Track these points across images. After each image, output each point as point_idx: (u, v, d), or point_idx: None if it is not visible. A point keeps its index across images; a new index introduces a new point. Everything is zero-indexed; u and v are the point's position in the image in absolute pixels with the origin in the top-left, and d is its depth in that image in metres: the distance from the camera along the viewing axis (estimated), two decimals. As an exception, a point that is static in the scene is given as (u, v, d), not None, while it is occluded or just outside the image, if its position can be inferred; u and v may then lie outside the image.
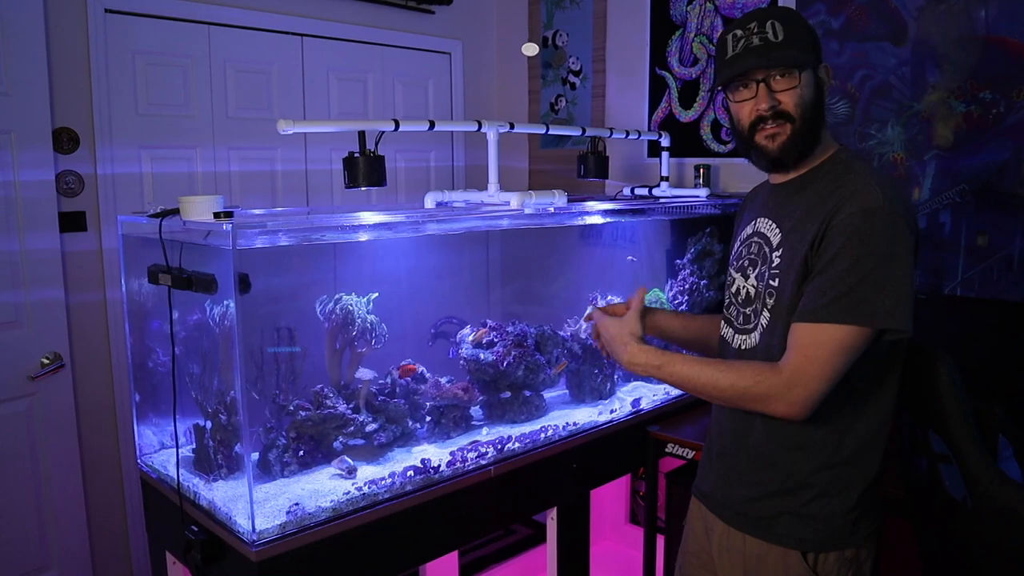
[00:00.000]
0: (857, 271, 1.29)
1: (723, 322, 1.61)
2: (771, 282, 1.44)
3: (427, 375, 2.21)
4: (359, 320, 2.01)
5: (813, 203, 1.40)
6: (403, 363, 2.17)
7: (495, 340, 2.29)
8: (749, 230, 1.56)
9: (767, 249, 1.47)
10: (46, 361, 2.55)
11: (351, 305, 2.01)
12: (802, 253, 1.37)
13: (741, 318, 1.52)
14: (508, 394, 2.27)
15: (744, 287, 1.51)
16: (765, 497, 1.48)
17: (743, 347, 1.51)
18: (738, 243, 1.60)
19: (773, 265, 1.44)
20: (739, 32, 1.43)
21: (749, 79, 1.42)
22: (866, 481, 1.43)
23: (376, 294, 2.05)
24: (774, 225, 1.48)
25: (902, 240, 1.31)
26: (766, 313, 1.45)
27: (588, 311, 2.37)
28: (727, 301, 1.60)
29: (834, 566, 1.43)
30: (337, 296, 2.02)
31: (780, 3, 2.83)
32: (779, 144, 1.43)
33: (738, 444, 1.53)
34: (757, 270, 1.48)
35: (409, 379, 2.14)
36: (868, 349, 1.32)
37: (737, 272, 1.55)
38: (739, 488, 1.53)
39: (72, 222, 2.61)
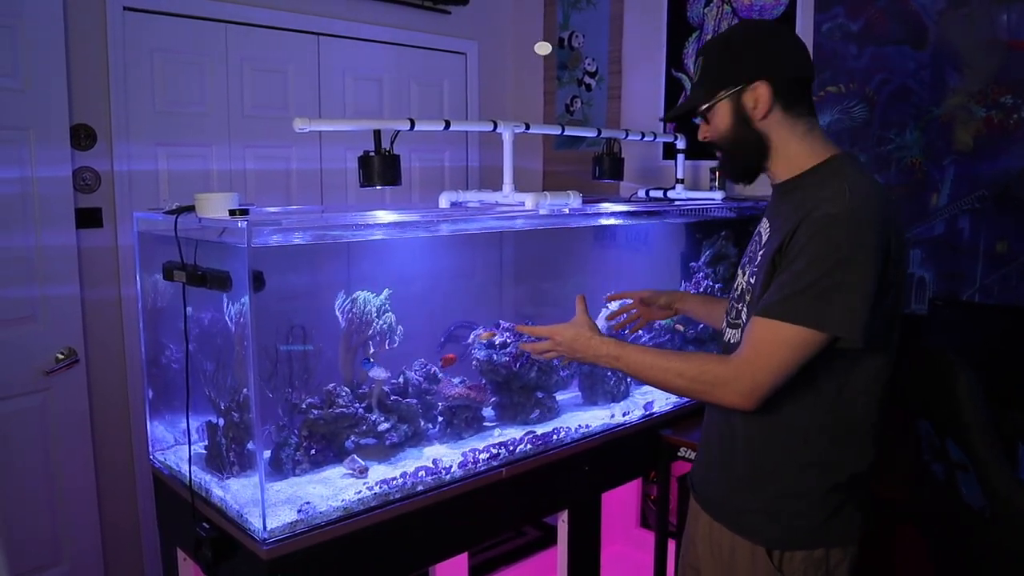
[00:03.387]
0: (813, 273, 1.31)
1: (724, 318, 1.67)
2: (751, 279, 1.49)
3: (440, 375, 2.20)
4: (378, 322, 2.01)
5: (795, 206, 1.42)
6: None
7: (508, 341, 2.28)
8: (755, 230, 1.61)
9: (757, 248, 1.52)
10: (60, 356, 2.56)
11: (370, 304, 2.01)
12: (771, 253, 1.41)
13: (733, 313, 1.57)
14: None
15: (740, 283, 1.57)
16: (737, 490, 1.52)
17: (731, 341, 1.55)
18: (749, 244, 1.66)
19: (755, 263, 1.49)
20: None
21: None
22: (835, 481, 1.43)
23: (389, 290, 2.04)
24: (767, 225, 1.52)
25: (864, 248, 1.31)
26: (746, 309, 1.50)
27: (604, 311, 2.36)
28: (729, 298, 1.65)
29: (800, 566, 1.44)
30: (355, 295, 2.02)
31: (798, 8, 2.81)
32: (724, 170, 1.65)
33: (718, 436, 1.58)
34: (749, 268, 1.53)
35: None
36: (830, 351, 1.34)
37: (740, 270, 1.61)
38: (717, 480, 1.58)
39: (88, 218, 2.63)
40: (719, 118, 1.51)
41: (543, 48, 3.71)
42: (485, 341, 2.28)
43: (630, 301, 2.11)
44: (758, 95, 1.44)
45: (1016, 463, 1.62)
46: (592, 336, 1.61)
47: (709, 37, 3.10)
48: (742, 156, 1.52)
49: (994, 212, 2.39)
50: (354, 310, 2.01)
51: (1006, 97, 2.35)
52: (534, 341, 1.73)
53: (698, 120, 1.57)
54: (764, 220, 1.56)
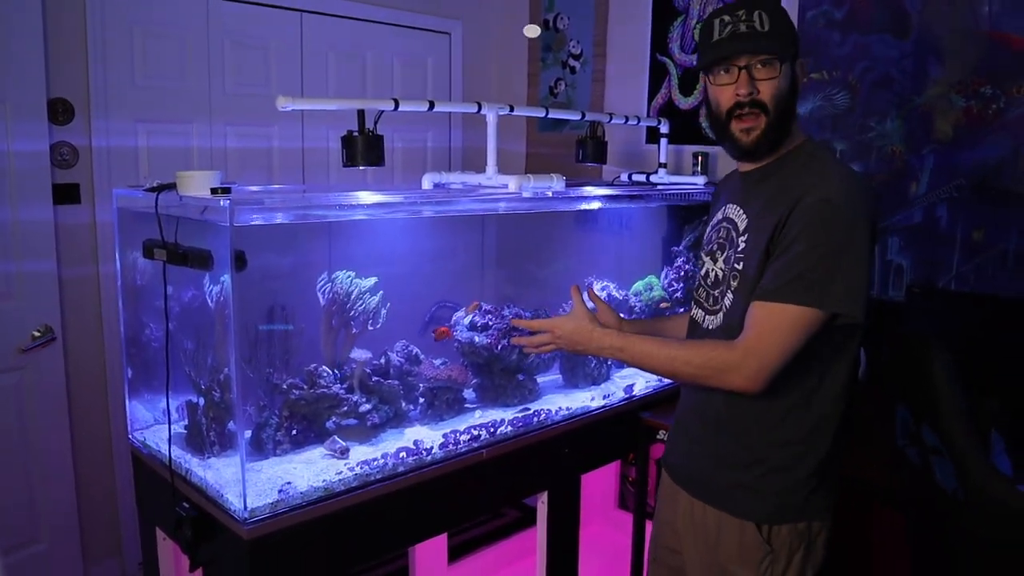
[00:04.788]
0: (813, 256, 1.35)
1: (693, 304, 1.67)
2: (736, 265, 1.50)
3: (421, 356, 2.20)
4: (360, 303, 2.00)
5: (777, 191, 1.46)
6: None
7: (490, 323, 2.29)
8: (719, 216, 1.62)
9: (734, 234, 1.53)
10: (37, 334, 2.53)
11: (351, 285, 2.00)
12: (765, 239, 1.43)
13: (710, 299, 1.58)
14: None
15: (713, 270, 1.58)
16: (723, 469, 1.55)
17: (710, 327, 1.57)
18: (709, 228, 1.67)
19: (739, 249, 1.51)
20: (727, 18, 1.47)
21: (731, 64, 1.46)
22: (818, 458, 1.48)
23: (375, 279, 2.04)
24: (741, 211, 1.54)
25: (858, 230, 1.36)
26: (730, 294, 1.52)
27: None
28: (697, 284, 1.66)
29: (787, 538, 1.49)
30: (335, 275, 2.01)
31: (783, -8, 2.82)
32: (753, 138, 1.48)
33: (700, 418, 1.60)
34: (724, 254, 1.55)
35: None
36: (824, 332, 1.38)
37: (707, 256, 1.62)
38: (700, 460, 1.60)
39: (66, 194, 2.59)
40: (785, 79, 1.45)
41: (532, 31, 3.69)
42: (472, 312, 2.28)
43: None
44: (801, 71, 1.48)
45: (990, 449, 1.65)
46: (594, 328, 1.62)
47: (694, 22, 3.10)
48: (782, 126, 1.47)
49: (971, 201, 2.42)
50: (335, 290, 2.01)
51: (985, 88, 2.37)
52: (528, 335, 1.73)
53: (738, 72, 1.44)
54: (732, 206, 1.57)
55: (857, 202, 1.38)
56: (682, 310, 2.59)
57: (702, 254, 1.65)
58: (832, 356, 1.45)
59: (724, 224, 1.58)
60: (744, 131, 1.48)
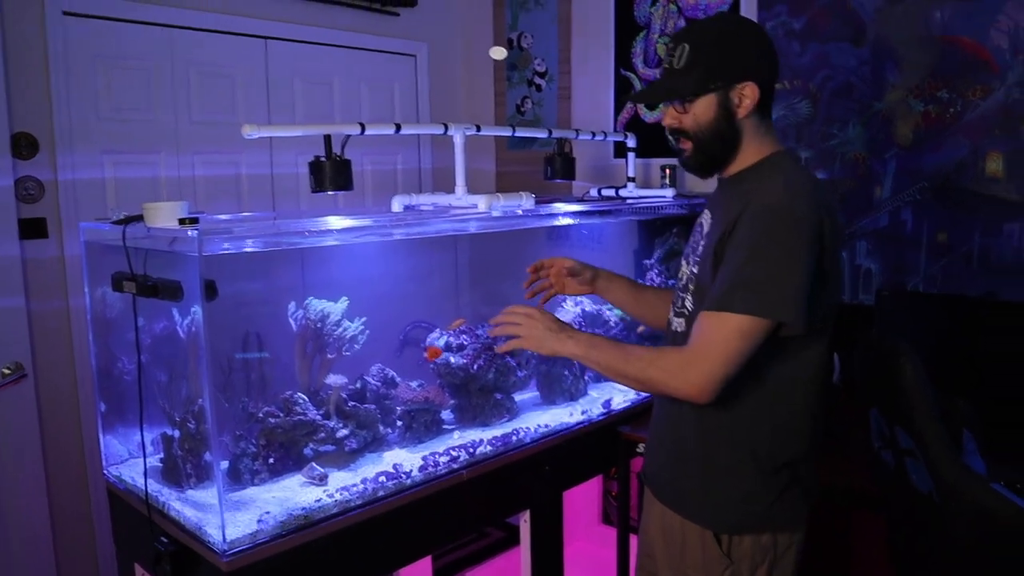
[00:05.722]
0: (752, 263, 1.36)
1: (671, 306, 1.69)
2: (694, 269, 1.54)
3: (397, 379, 2.20)
4: (336, 331, 2.00)
5: (732, 200, 1.48)
6: (430, 344, 2.26)
7: (465, 343, 2.29)
8: (697, 222, 1.65)
9: (699, 239, 1.57)
10: (7, 371, 2.50)
11: (327, 311, 2.00)
12: (712, 245, 1.46)
13: (680, 302, 1.60)
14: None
15: (684, 273, 1.61)
16: (684, 474, 1.56)
17: (678, 330, 1.59)
18: (691, 235, 1.69)
19: (697, 253, 1.54)
20: (664, 51, 1.50)
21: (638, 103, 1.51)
22: (778, 465, 1.48)
23: (346, 300, 2.03)
24: (709, 217, 1.57)
25: (798, 238, 1.36)
26: (689, 298, 1.54)
27: (560, 311, 2.37)
28: (675, 288, 1.68)
29: (748, 550, 1.48)
30: (307, 302, 2.00)
31: (742, 6, 2.86)
32: (686, 159, 1.56)
33: (665, 423, 1.62)
34: (692, 258, 1.58)
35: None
36: (772, 340, 1.38)
37: (684, 260, 1.65)
38: (666, 466, 1.62)
39: (32, 229, 2.56)
40: (702, 109, 1.49)
41: (498, 53, 3.72)
42: (456, 329, 2.28)
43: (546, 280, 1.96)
44: (746, 93, 1.47)
45: (962, 449, 1.68)
46: (562, 330, 1.58)
47: (656, 36, 3.14)
48: (717, 149, 1.51)
49: (934, 203, 2.46)
50: (308, 317, 2.00)
51: (942, 91, 2.42)
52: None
53: (667, 105, 1.53)
54: (706, 211, 1.60)
55: (799, 209, 1.37)
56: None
57: (682, 259, 1.68)
58: (786, 363, 1.44)
59: (696, 228, 1.62)
60: (679, 151, 1.56)
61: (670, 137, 1.57)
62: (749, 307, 1.35)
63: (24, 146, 2.52)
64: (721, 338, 1.36)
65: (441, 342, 2.29)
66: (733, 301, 1.36)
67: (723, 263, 1.41)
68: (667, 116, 1.54)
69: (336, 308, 2.03)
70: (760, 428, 1.47)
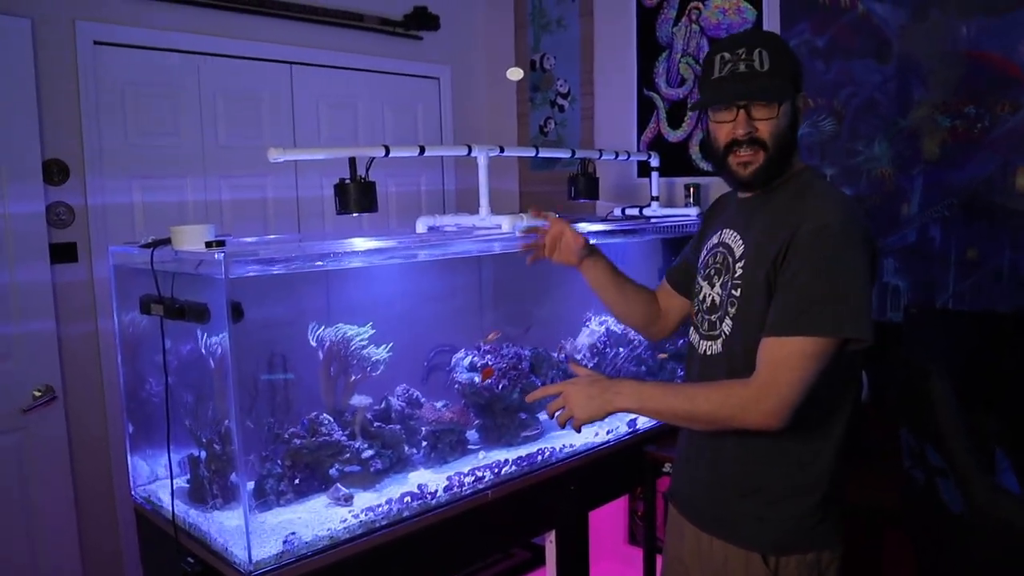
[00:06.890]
0: (818, 285, 1.35)
1: (691, 328, 1.66)
2: (733, 292, 1.50)
3: (422, 400, 2.20)
4: (360, 353, 2.01)
5: (774, 219, 1.46)
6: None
7: (489, 363, 2.29)
8: (715, 240, 1.61)
9: (731, 260, 1.53)
10: (38, 394, 2.53)
11: (351, 335, 2.01)
12: (765, 268, 1.43)
13: (707, 324, 1.57)
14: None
15: (710, 295, 1.57)
16: (727, 499, 1.53)
17: (708, 352, 1.56)
18: (705, 252, 1.66)
19: (736, 276, 1.50)
20: (727, 55, 1.47)
21: (731, 103, 1.46)
22: (825, 485, 1.47)
23: (371, 326, 2.04)
24: (738, 237, 1.54)
25: (858, 254, 1.37)
26: (728, 321, 1.51)
27: (585, 330, 2.37)
28: (695, 308, 1.64)
29: (795, 570, 1.46)
30: (330, 327, 2.01)
31: (765, 25, 2.86)
32: (751, 171, 1.48)
33: (702, 447, 1.58)
34: (721, 279, 1.54)
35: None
36: (833, 360, 1.36)
37: (704, 280, 1.61)
38: (704, 490, 1.58)
39: (63, 253, 2.61)
40: (785, 117, 1.46)
41: (515, 74, 3.74)
42: (491, 342, 2.30)
43: (545, 224, 1.89)
44: (802, 105, 1.49)
45: (994, 468, 1.64)
46: (611, 388, 1.52)
47: (679, 56, 3.14)
48: (782, 160, 1.48)
49: (963, 219, 2.43)
50: (334, 339, 2.01)
51: (969, 107, 2.40)
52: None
53: (731, 111, 1.45)
54: (729, 231, 1.57)
55: (855, 226, 1.38)
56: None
57: (699, 278, 1.64)
58: (837, 383, 1.43)
59: (720, 249, 1.58)
60: (742, 165, 1.48)
61: (730, 148, 1.48)
62: (819, 328, 1.34)
63: (56, 172, 2.57)
64: (792, 363, 1.35)
65: (466, 362, 2.29)
66: (800, 324, 1.35)
67: (781, 287, 1.40)
68: (739, 124, 1.45)
69: (362, 332, 2.04)
70: (808, 447, 1.46)
